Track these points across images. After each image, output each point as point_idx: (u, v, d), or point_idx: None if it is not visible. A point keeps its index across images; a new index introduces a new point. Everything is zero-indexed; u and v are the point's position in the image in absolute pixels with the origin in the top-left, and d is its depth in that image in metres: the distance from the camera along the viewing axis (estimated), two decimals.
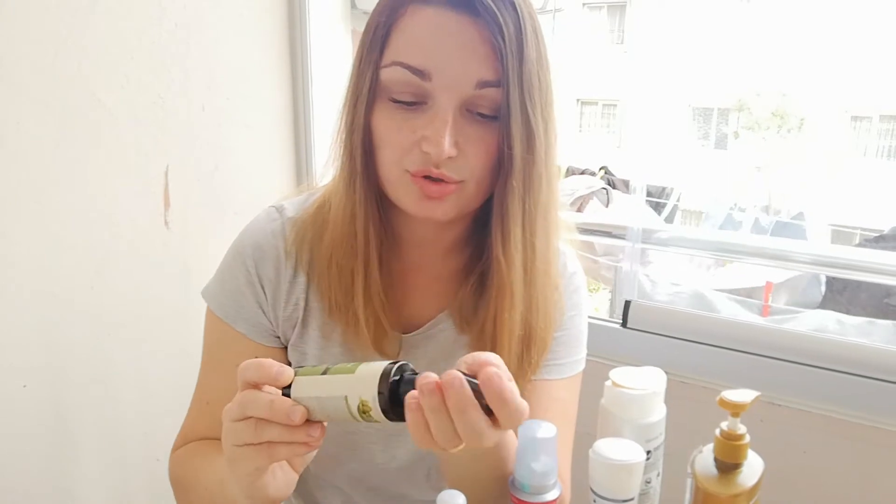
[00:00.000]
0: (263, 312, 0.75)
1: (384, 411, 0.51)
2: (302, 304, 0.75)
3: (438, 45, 0.63)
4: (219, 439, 0.73)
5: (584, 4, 11.22)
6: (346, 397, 0.52)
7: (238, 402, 0.54)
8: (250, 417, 0.53)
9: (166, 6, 1.24)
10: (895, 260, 1.28)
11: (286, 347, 0.78)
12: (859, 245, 4.19)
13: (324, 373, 0.54)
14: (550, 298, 0.75)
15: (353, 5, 1.65)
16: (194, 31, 1.29)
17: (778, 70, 9.94)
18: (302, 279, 0.75)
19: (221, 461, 0.60)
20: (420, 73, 0.63)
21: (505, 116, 0.64)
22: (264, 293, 0.75)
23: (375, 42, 0.66)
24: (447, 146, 0.62)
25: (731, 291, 2.70)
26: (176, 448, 0.79)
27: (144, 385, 1.30)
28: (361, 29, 0.69)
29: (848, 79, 9.35)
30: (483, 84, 0.63)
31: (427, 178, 0.65)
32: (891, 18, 9.11)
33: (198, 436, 0.77)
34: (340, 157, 0.71)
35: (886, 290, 2.74)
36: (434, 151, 0.63)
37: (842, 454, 1.21)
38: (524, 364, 0.74)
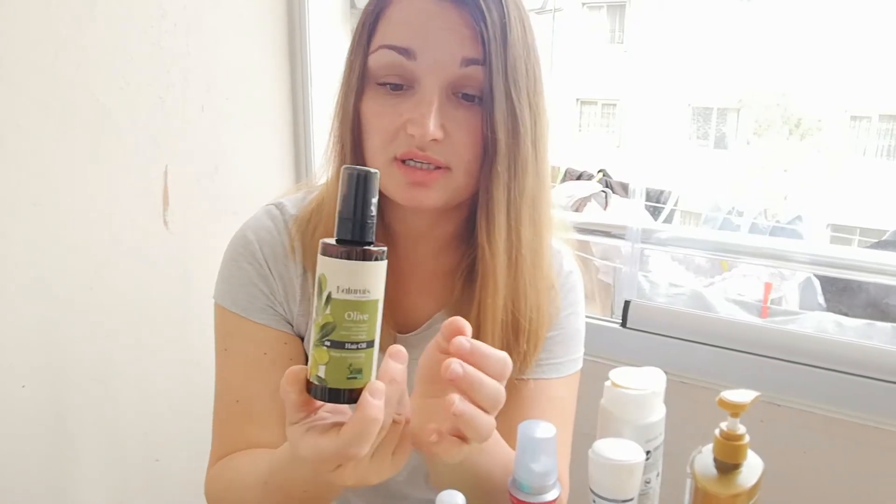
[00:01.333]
0: (277, 301, 0.75)
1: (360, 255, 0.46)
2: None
3: (422, 27, 0.64)
4: (258, 447, 0.71)
5: (583, 4, 11.21)
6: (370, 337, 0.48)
7: (351, 443, 0.48)
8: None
9: (166, 7, 1.24)
10: (894, 260, 1.28)
11: (302, 338, 0.78)
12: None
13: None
14: (542, 291, 0.75)
15: (353, 5, 1.65)
16: (194, 31, 1.29)
17: (777, 70, 9.94)
18: (310, 275, 0.75)
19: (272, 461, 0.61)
20: (405, 52, 0.64)
21: (488, 100, 0.64)
22: (276, 285, 0.75)
23: (364, 33, 0.67)
24: (432, 127, 0.63)
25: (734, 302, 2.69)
26: (212, 464, 0.76)
27: (144, 385, 1.30)
28: None
29: (847, 78, 9.35)
30: (468, 62, 0.64)
31: (412, 164, 0.65)
32: (890, 18, 9.11)
33: (234, 441, 0.74)
34: (333, 149, 0.72)
35: (886, 291, 2.74)
36: (419, 133, 0.63)
37: (842, 454, 1.21)
38: (513, 355, 0.74)
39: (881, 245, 3.55)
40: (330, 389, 0.48)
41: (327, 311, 0.46)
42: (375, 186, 0.46)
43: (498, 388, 0.52)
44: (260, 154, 1.51)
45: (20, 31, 1.04)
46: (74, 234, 1.15)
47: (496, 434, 0.69)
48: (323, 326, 0.46)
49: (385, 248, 0.47)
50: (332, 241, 0.47)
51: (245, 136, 1.45)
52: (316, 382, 0.48)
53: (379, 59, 0.65)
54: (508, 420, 0.72)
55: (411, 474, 0.81)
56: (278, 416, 0.73)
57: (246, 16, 1.42)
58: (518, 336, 0.74)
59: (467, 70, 0.64)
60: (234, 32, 1.40)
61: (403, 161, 0.65)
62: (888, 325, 2.15)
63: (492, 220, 0.68)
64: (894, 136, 9.74)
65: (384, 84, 0.66)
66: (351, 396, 0.48)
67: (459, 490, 0.59)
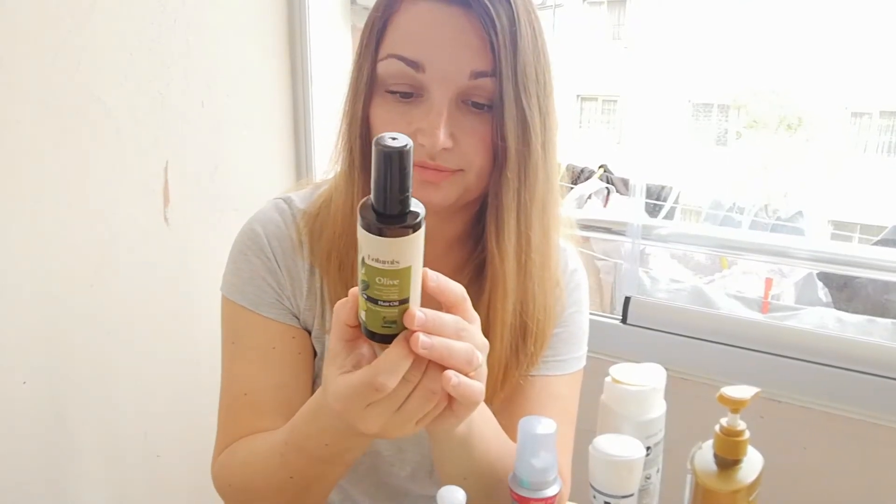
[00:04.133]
0: (285, 296, 0.75)
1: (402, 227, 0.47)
2: (319, 295, 0.76)
3: (431, 38, 0.63)
4: (266, 430, 0.70)
5: (584, 0, 11.20)
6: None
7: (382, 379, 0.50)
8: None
9: (165, 3, 1.24)
10: (894, 256, 1.29)
11: (309, 332, 0.78)
12: None
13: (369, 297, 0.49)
14: (549, 292, 0.75)
15: (353, 1, 1.65)
16: (194, 28, 1.29)
17: (778, 66, 9.93)
18: (318, 271, 0.75)
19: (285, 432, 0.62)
20: (414, 64, 0.64)
21: (498, 108, 0.64)
22: (284, 279, 0.75)
23: (372, 37, 0.67)
24: (442, 138, 0.63)
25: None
26: (218, 454, 0.76)
27: (144, 382, 1.30)
28: (361, 24, 0.70)
29: (848, 75, 9.34)
30: (477, 74, 0.63)
31: (423, 167, 0.65)
32: (890, 14, 9.09)
33: (241, 433, 0.74)
34: (341, 151, 0.72)
35: (885, 287, 2.74)
36: (429, 143, 0.63)
37: (842, 451, 1.21)
38: (521, 356, 0.75)
39: (881, 243, 3.55)
40: (369, 330, 0.51)
41: (363, 271, 0.49)
42: (408, 161, 0.46)
43: (468, 350, 0.52)
44: (260, 151, 1.51)
45: (20, 28, 1.04)
46: (75, 233, 1.15)
47: (498, 427, 0.69)
48: (362, 281, 0.49)
49: (420, 219, 0.47)
50: (371, 205, 0.47)
51: (245, 133, 1.45)
52: (361, 320, 0.52)
53: (388, 68, 0.65)
54: (512, 416, 0.73)
55: (415, 470, 0.81)
56: (286, 408, 0.73)
57: (246, 12, 1.42)
58: (526, 338, 0.74)
59: (476, 81, 0.64)
60: (234, 29, 1.39)
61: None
62: (888, 321, 2.15)
63: (501, 225, 0.68)
64: (895, 133, 9.74)
65: (393, 92, 0.66)
66: (386, 340, 0.51)
67: (461, 482, 0.59)
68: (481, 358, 0.53)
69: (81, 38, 1.11)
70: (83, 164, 1.15)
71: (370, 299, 0.49)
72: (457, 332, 0.52)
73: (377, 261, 0.47)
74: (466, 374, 0.52)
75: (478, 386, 0.53)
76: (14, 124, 1.05)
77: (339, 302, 0.52)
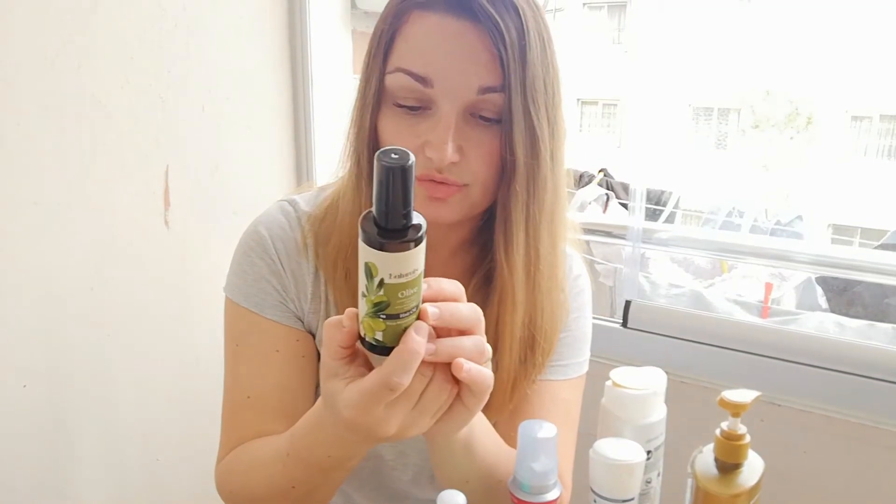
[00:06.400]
0: (289, 298, 0.75)
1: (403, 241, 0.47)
2: (324, 298, 0.76)
3: (439, 52, 0.63)
4: (270, 434, 0.70)
5: (584, 4, 11.23)
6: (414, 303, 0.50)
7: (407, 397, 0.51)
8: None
9: (166, 6, 1.24)
10: (894, 260, 1.29)
11: (313, 334, 0.78)
12: None
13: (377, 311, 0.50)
14: (556, 301, 0.75)
15: (354, 5, 1.65)
16: (194, 31, 1.29)
17: (778, 70, 9.96)
18: (322, 275, 0.75)
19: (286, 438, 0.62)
20: (422, 79, 0.63)
21: (507, 122, 0.64)
22: (289, 281, 0.75)
23: (380, 48, 0.66)
24: (449, 152, 0.63)
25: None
26: (222, 457, 0.76)
27: (144, 385, 1.30)
28: (361, 28, 0.70)
29: (848, 79, 9.36)
30: (485, 90, 0.63)
31: (431, 180, 0.65)
32: (890, 18, 9.11)
33: (245, 436, 0.74)
34: (349, 160, 0.72)
35: (885, 292, 2.74)
36: (436, 157, 0.63)
37: (842, 454, 1.21)
38: (528, 367, 0.75)
39: (882, 248, 3.56)
40: (387, 348, 0.51)
41: (381, 293, 0.48)
42: (411, 177, 0.46)
43: (477, 342, 0.52)
44: (260, 154, 1.51)
45: (20, 30, 1.04)
46: (75, 234, 1.15)
47: (496, 434, 0.69)
48: (377, 304, 0.49)
49: (424, 224, 0.48)
50: (373, 225, 0.47)
51: (246, 135, 1.45)
52: (374, 343, 0.51)
53: (396, 81, 0.65)
54: (513, 421, 0.73)
55: (416, 474, 0.81)
56: (290, 411, 0.73)
57: (246, 15, 1.42)
58: (534, 349, 0.74)
59: (485, 96, 0.63)
60: (235, 32, 1.40)
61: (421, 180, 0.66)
62: (888, 325, 2.16)
63: (510, 238, 0.68)
64: (895, 136, 9.75)
65: (401, 105, 0.66)
66: None
67: (461, 486, 0.59)
68: (489, 349, 0.53)
69: (82, 41, 1.12)
70: (84, 167, 1.15)
71: (390, 317, 0.49)
72: (478, 321, 0.53)
73: (400, 276, 0.47)
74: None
75: (487, 372, 0.53)
76: (15, 126, 1.05)
77: (329, 323, 0.52)
